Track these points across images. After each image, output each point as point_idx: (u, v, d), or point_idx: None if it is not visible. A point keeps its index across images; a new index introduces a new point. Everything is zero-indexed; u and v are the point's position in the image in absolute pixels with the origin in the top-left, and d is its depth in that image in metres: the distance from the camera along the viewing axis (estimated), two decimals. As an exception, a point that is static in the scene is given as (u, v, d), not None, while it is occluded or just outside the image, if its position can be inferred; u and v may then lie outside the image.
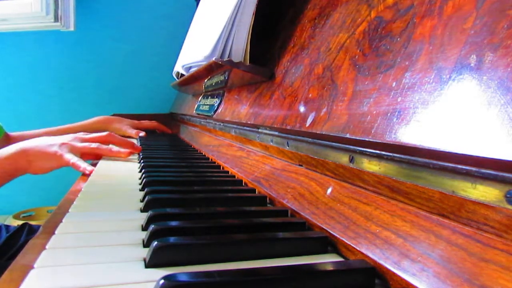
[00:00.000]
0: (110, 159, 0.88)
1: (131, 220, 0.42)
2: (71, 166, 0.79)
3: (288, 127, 0.49)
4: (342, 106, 0.40)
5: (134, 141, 1.11)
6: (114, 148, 0.92)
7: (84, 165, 0.77)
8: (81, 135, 0.91)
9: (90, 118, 1.40)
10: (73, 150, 0.82)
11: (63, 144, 0.82)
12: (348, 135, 0.36)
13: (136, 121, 1.47)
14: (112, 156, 0.90)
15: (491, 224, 0.24)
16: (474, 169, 0.25)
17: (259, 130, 0.63)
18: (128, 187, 0.61)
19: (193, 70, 0.94)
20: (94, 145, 0.86)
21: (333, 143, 0.41)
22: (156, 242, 0.31)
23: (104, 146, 0.89)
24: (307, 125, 0.45)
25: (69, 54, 1.90)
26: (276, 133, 0.56)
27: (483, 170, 0.24)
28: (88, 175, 0.70)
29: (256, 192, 0.55)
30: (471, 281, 0.23)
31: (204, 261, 0.32)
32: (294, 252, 0.34)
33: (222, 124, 0.87)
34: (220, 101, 0.88)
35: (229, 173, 0.69)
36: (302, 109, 0.48)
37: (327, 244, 0.35)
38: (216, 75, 0.86)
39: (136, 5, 1.95)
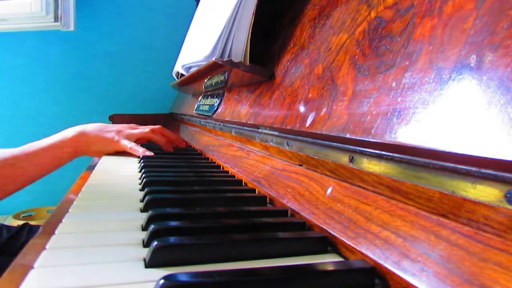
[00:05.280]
0: (111, 160, 0.88)
1: (131, 220, 0.42)
2: (129, 151, 0.88)
3: (288, 127, 0.49)
4: (342, 106, 0.40)
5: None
6: (164, 139, 0.99)
7: (142, 150, 0.86)
8: (133, 125, 0.99)
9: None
10: (129, 137, 0.91)
11: (119, 131, 0.91)
12: (348, 135, 0.36)
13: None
14: (165, 144, 0.97)
15: (491, 224, 0.24)
16: (474, 169, 0.25)
17: (259, 130, 0.63)
18: (128, 187, 0.61)
19: (193, 70, 0.94)
20: (147, 129, 0.95)
21: (333, 143, 0.41)
22: (156, 242, 0.31)
23: (157, 134, 0.97)
24: (307, 125, 0.45)
25: (69, 54, 1.90)
26: (276, 133, 0.56)
27: (483, 170, 0.24)
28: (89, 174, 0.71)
29: (256, 192, 0.55)
30: (471, 281, 0.23)
31: (204, 261, 0.32)
32: (294, 252, 0.34)
33: (222, 124, 0.87)
34: (220, 101, 0.88)
35: (229, 173, 0.69)
36: (302, 109, 0.48)
37: (327, 244, 0.35)
38: (216, 75, 0.86)
39: (136, 5, 1.95)
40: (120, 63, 1.95)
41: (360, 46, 0.41)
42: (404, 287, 0.26)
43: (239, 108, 0.72)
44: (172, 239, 0.32)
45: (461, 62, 0.27)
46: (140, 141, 0.95)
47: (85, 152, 0.86)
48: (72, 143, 0.82)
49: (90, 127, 0.88)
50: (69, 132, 0.83)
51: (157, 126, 0.99)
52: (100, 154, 0.89)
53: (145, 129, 0.95)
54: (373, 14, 0.41)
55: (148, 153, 0.85)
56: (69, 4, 1.72)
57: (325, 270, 0.29)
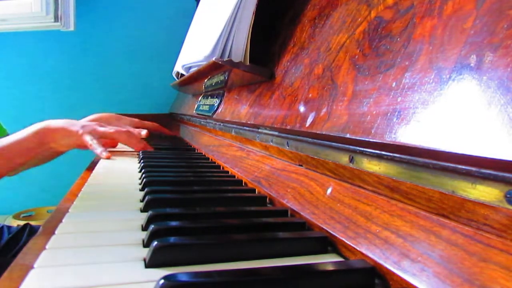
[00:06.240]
0: (111, 160, 0.88)
1: (131, 220, 0.42)
2: (89, 148, 0.86)
3: (288, 127, 0.49)
4: (342, 106, 0.40)
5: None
6: (132, 139, 0.98)
7: (100, 149, 0.84)
8: (103, 123, 0.98)
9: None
10: (94, 133, 0.89)
11: (85, 125, 0.90)
12: (348, 135, 0.36)
13: (136, 120, 1.37)
14: (128, 144, 0.96)
15: (491, 224, 0.24)
16: (474, 169, 0.25)
17: (259, 130, 0.63)
18: (128, 187, 0.61)
19: (193, 70, 0.94)
20: (113, 129, 0.93)
21: (333, 143, 0.41)
22: (156, 242, 0.31)
23: (123, 134, 0.95)
24: (307, 125, 0.45)
25: (69, 54, 1.90)
26: (276, 133, 0.56)
27: (483, 170, 0.24)
28: (93, 170, 0.72)
29: (256, 192, 0.55)
30: (471, 281, 0.23)
31: (204, 261, 0.32)
32: (294, 252, 0.34)
33: (222, 124, 0.87)
34: (220, 101, 0.88)
35: (229, 173, 0.69)
36: (302, 109, 0.48)
37: (327, 244, 0.35)
38: (216, 75, 0.86)
39: (136, 5, 1.95)
40: (120, 63, 1.94)
41: (360, 46, 0.41)
42: (404, 287, 0.26)
43: (239, 108, 0.72)
44: (172, 239, 0.32)
45: (461, 62, 0.27)
46: (111, 141, 0.97)
47: (49, 145, 0.87)
48: (37, 136, 0.84)
49: (55, 121, 0.90)
50: (35, 126, 0.86)
51: (123, 129, 0.96)
52: (65, 147, 0.90)
53: (111, 129, 0.93)
54: (373, 14, 0.41)
55: (106, 153, 0.83)
56: (69, 4, 1.72)
57: (325, 270, 0.29)
